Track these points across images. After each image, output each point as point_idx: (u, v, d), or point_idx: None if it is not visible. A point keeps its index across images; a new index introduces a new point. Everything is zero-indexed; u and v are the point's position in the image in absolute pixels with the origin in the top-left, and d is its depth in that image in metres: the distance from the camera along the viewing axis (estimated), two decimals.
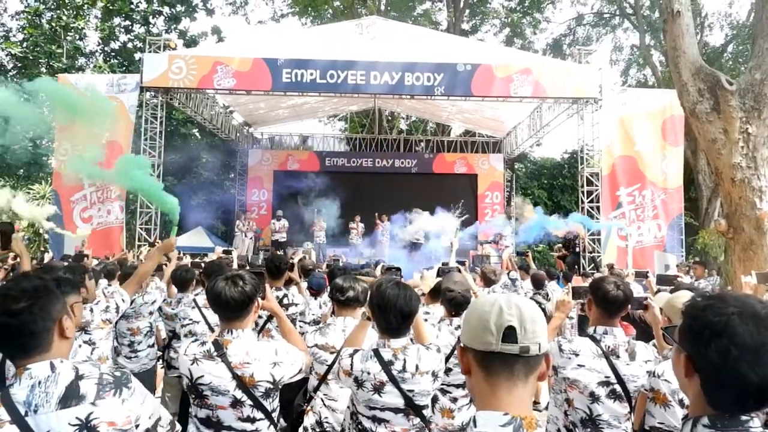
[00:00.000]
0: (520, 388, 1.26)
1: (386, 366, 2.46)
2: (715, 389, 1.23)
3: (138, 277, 3.87)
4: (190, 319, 4.55)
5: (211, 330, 4.43)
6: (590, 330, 2.86)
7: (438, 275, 4.22)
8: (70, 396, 1.64)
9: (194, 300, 4.67)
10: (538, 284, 7.18)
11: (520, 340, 1.23)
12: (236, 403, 2.37)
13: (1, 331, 1.68)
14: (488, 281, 6.42)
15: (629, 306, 2.88)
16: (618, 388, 2.68)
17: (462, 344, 1.35)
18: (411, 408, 2.47)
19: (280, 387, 2.49)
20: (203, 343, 2.46)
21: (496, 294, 1.35)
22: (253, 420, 2.40)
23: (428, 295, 4.16)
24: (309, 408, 3.20)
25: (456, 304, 3.46)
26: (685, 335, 1.30)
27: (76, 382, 1.67)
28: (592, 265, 13.34)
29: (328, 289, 3.85)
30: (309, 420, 3.17)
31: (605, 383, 2.68)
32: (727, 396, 1.22)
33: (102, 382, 1.69)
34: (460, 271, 4.22)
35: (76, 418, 1.62)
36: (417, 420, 2.49)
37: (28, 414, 1.60)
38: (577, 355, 2.73)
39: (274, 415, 2.49)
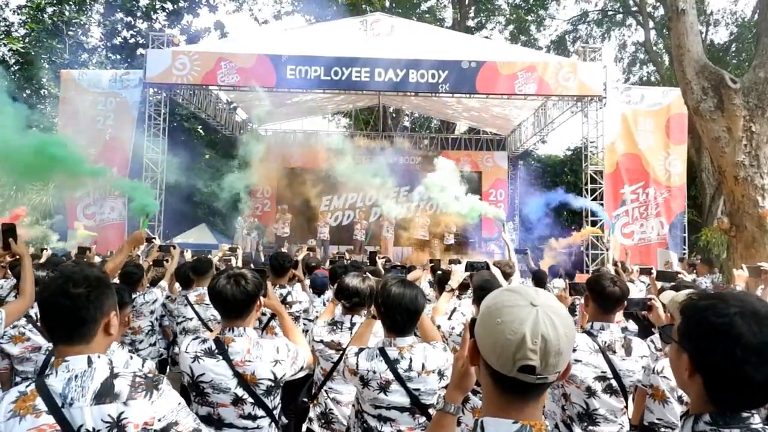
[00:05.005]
0: (532, 402, 1.23)
1: (392, 365, 2.45)
2: (719, 389, 1.23)
3: (109, 272, 3.62)
4: (184, 317, 4.59)
5: (205, 326, 4.44)
6: (587, 325, 2.88)
7: (466, 269, 4.22)
8: (105, 393, 1.66)
9: (186, 297, 4.69)
10: (539, 282, 7.16)
11: (539, 373, 1.15)
12: (237, 401, 2.39)
13: (54, 312, 1.71)
14: (505, 275, 6.38)
15: (626, 302, 2.89)
16: (614, 383, 2.70)
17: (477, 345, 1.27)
18: (417, 407, 2.47)
19: (281, 385, 2.50)
20: (204, 341, 2.47)
21: (525, 311, 1.17)
22: (254, 417, 2.41)
23: (458, 290, 4.14)
24: (314, 402, 3.22)
25: None
26: (686, 336, 1.29)
27: (111, 380, 1.68)
28: (595, 261, 13.34)
29: (334, 287, 3.83)
30: (314, 411, 3.20)
31: (602, 378, 2.70)
32: (731, 396, 1.22)
33: (135, 383, 1.71)
34: (488, 268, 4.20)
35: (109, 415, 1.63)
36: (423, 419, 2.48)
37: (63, 406, 1.62)
38: (573, 350, 2.73)
39: (276, 412, 2.50)
